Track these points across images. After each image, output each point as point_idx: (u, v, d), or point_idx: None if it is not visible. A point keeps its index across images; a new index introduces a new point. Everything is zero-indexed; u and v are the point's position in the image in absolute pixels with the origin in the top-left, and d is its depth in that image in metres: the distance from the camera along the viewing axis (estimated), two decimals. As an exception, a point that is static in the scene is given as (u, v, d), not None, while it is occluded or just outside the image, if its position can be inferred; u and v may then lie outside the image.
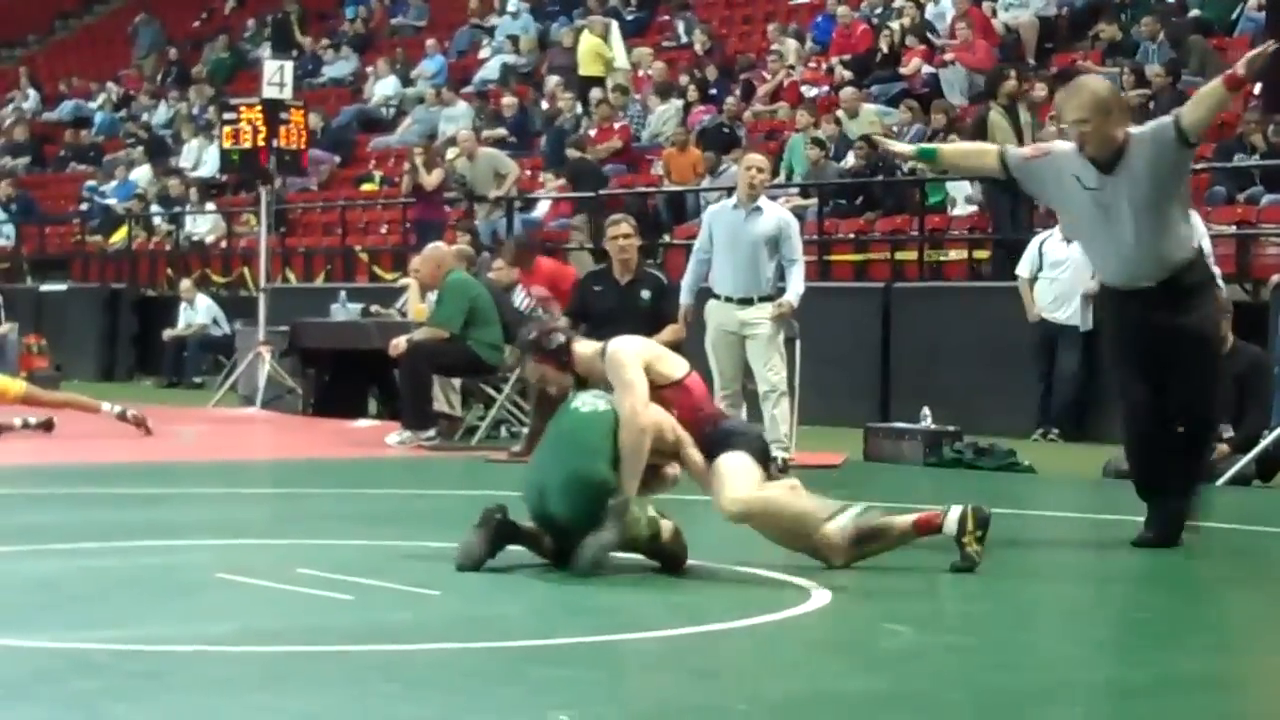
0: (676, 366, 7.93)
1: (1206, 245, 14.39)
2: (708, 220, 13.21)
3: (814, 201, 19.39)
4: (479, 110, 26.03)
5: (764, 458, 7.83)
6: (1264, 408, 12.30)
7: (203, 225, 27.10)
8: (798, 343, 13.22)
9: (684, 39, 26.40)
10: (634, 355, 7.79)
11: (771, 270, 12.72)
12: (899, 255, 18.54)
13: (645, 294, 12.97)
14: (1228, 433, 11.98)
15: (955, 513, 7.62)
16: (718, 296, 12.81)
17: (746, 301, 12.69)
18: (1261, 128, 16.63)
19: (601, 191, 21.21)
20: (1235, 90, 8.61)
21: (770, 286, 12.74)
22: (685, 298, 12.93)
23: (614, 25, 26.12)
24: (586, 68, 25.60)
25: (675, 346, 12.44)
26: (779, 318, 12.60)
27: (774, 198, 17.78)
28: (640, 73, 25.25)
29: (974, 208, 18.25)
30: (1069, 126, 8.55)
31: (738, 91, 23.27)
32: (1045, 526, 10.57)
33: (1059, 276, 15.22)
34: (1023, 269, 15.45)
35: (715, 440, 7.72)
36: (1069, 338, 15.23)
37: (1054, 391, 15.29)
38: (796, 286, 12.66)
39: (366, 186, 25.96)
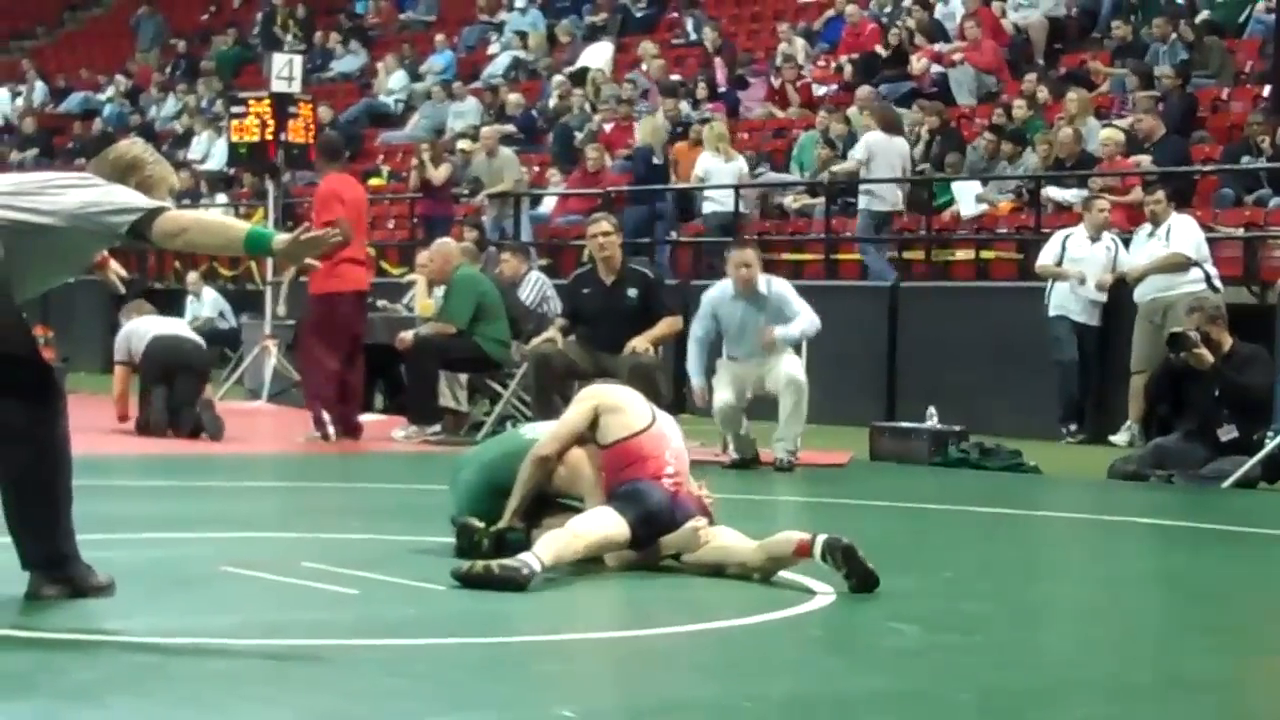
0: (625, 426, 7.54)
1: (1204, 250, 14.44)
2: (710, 308, 12.86)
3: (822, 200, 19.36)
4: (488, 106, 26.02)
5: (642, 521, 7.31)
6: (1267, 409, 12.26)
7: (211, 218, 27.01)
8: (804, 342, 13.21)
9: (693, 36, 26.38)
10: (586, 402, 7.73)
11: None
12: (906, 255, 18.51)
13: (632, 293, 12.86)
14: (1231, 434, 11.96)
15: (819, 546, 7.06)
16: (734, 359, 12.79)
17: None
18: (1269, 130, 16.58)
19: (610, 189, 21.17)
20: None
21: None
22: (697, 380, 12.76)
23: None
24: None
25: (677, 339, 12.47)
26: (768, 344, 12.56)
27: (781, 199, 17.78)
28: (645, 69, 25.23)
29: (985, 206, 18.18)
30: None
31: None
32: (1050, 527, 10.56)
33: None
34: (1045, 258, 15.39)
35: (613, 497, 7.44)
36: (1088, 336, 15.21)
37: (1069, 389, 15.21)
38: (792, 327, 12.59)
39: (374, 181, 25.93)
